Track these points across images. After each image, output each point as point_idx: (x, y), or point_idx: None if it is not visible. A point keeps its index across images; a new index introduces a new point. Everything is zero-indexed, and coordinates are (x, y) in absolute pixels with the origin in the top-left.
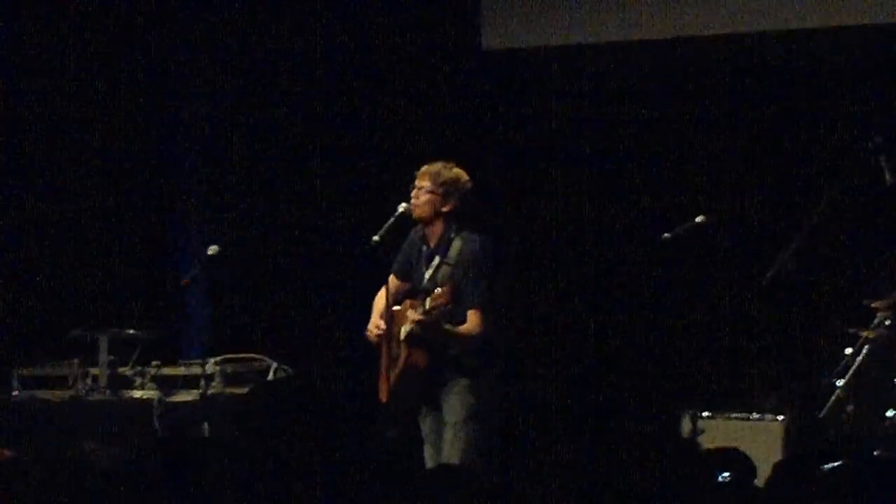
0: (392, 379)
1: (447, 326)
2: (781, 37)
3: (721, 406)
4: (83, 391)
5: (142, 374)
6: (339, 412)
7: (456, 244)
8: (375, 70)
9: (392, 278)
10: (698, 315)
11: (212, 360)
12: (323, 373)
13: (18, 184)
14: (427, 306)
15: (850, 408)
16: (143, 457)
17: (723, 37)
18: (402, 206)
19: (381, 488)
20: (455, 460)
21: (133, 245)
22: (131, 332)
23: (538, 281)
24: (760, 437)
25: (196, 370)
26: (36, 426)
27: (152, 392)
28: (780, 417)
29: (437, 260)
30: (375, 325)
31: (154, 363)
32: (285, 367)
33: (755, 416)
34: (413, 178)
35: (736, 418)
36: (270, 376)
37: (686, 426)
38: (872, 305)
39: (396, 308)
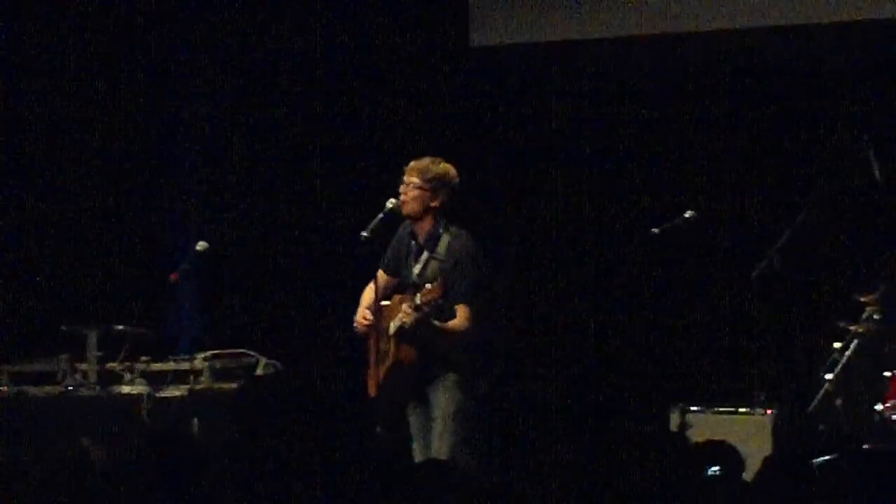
0: (381, 374)
1: (435, 322)
2: (774, 33)
3: (710, 400)
4: (72, 387)
5: (131, 370)
6: (329, 408)
7: (444, 239)
8: (366, 69)
9: (380, 273)
10: (687, 310)
11: (200, 356)
12: (312, 368)
13: (8, 181)
14: (418, 301)
15: (839, 402)
16: (139, 455)
17: (714, 33)
18: (391, 202)
19: (370, 484)
20: (443, 455)
21: (122, 241)
22: (120, 327)
23: (528, 280)
24: (749, 432)
25: (185, 366)
26: (25, 422)
27: (141, 387)
28: (769, 412)
29: (425, 255)
30: (363, 315)
31: (143, 359)
32: (274, 362)
33: (744, 410)
34: (401, 174)
35: (725, 413)
36: (259, 372)
37: (675, 421)
38: (861, 300)
39: (385, 303)
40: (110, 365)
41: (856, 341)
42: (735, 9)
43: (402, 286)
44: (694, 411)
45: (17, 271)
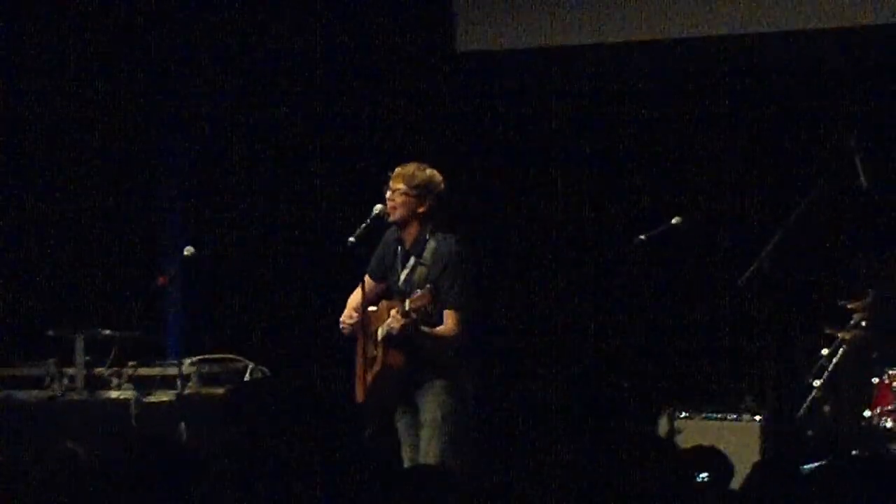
0: (369, 379)
1: (424, 328)
2: (760, 38)
3: (699, 406)
4: (59, 391)
5: (118, 375)
6: (319, 413)
7: (431, 245)
8: (353, 73)
9: (367, 279)
10: (676, 316)
11: (188, 361)
12: (301, 373)
13: None
14: (407, 307)
15: (827, 408)
16: (126, 459)
17: (707, 38)
18: (377, 208)
19: (361, 488)
20: (432, 460)
21: (110, 245)
22: (108, 332)
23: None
24: (738, 438)
25: (172, 370)
26: (12, 426)
27: (129, 392)
28: (758, 418)
29: (412, 261)
30: (349, 315)
31: (130, 363)
32: (262, 367)
33: (732, 416)
34: (387, 180)
35: (714, 418)
36: (247, 377)
37: (664, 426)
38: (848, 306)
39: (372, 309)
40: (98, 370)
41: (843, 348)
42: (723, 14)
43: (388, 292)
44: (683, 417)
45: (4, 275)
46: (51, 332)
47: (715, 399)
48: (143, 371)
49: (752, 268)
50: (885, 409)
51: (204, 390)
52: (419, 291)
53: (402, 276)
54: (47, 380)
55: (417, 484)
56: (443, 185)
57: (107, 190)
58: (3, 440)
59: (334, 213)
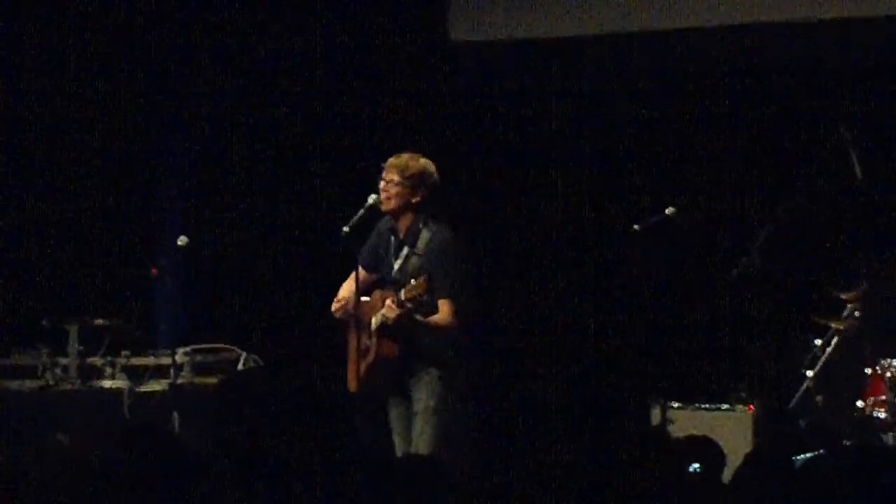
0: (362, 369)
1: (418, 317)
2: (755, 30)
3: (692, 396)
4: (53, 381)
5: (112, 364)
6: (313, 402)
7: (425, 235)
8: (344, 64)
9: (360, 269)
10: (669, 307)
11: (181, 350)
12: (294, 363)
13: None
14: (402, 297)
15: (819, 398)
16: (125, 454)
17: (704, 30)
18: (371, 198)
19: (351, 479)
20: (423, 449)
21: (103, 235)
22: (101, 322)
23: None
24: (730, 428)
25: (166, 360)
26: (5, 416)
27: (122, 382)
28: (751, 408)
29: (405, 251)
30: (339, 299)
31: (124, 353)
32: (255, 357)
33: (725, 406)
34: (380, 171)
35: (706, 409)
36: (240, 366)
37: (656, 417)
38: (841, 297)
39: (365, 299)
40: (91, 359)
41: (836, 338)
42: (722, 3)
43: (381, 282)
44: (675, 407)
45: None
46: (44, 322)
47: (708, 389)
48: (137, 360)
49: (743, 260)
50: (878, 399)
51: (197, 379)
52: (414, 281)
53: (396, 266)
54: (41, 369)
55: (408, 474)
56: (436, 175)
57: (101, 182)
58: None
59: (329, 203)
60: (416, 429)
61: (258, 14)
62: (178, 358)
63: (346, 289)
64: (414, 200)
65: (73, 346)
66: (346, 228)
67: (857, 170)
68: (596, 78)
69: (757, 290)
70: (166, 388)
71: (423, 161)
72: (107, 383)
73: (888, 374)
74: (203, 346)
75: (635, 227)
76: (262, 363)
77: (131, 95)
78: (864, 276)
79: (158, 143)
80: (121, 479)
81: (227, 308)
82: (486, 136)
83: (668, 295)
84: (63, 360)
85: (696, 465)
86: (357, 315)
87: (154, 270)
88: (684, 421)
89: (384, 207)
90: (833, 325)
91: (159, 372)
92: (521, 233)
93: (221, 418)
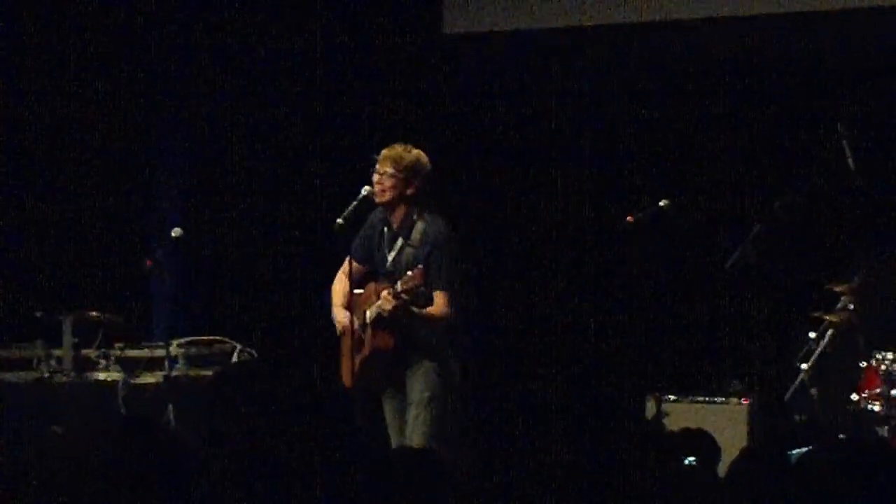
0: (357, 362)
1: (414, 309)
2: (754, 22)
3: (686, 389)
4: (47, 373)
5: (106, 356)
6: (307, 395)
7: (419, 226)
8: (338, 56)
9: (352, 262)
10: (663, 300)
11: (175, 343)
12: (290, 358)
13: None
14: (398, 289)
15: (814, 391)
16: (113, 442)
17: (704, 21)
18: (365, 189)
19: (346, 474)
20: (417, 440)
21: (97, 227)
22: (95, 314)
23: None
24: (725, 421)
25: (160, 352)
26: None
27: (116, 374)
28: (746, 401)
29: (399, 242)
30: (343, 315)
31: (118, 345)
32: (249, 349)
33: (720, 399)
34: (373, 163)
35: (701, 402)
36: (234, 359)
37: (651, 410)
38: (836, 289)
39: (358, 291)
40: (85, 351)
41: (831, 331)
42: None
43: (374, 274)
44: (670, 400)
45: None
46: (39, 314)
47: (703, 382)
48: (131, 353)
49: (737, 252)
50: (873, 392)
51: (192, 372)
52: (410, 272)
53: (390, 258)
54: (35, 361)
55: (402, 466)
56: (430, 167)
57: (95, 175)
58: None
59: (322, 196)
60: (410, 420)
61: (260, 15)
62: (173, 350)
63: (339, 289)
64: (408, 192)
65: (68, 337)
66: (339, 220)
67: (851, 163)
68: (592, 70)
69: (751, 282)
70: (161, 380)
71: (417, 152)
72: (101, 375)
73: (882, 368)
74: (198, 338)
75: (629, 218)
76: (256, 356)
77: (130, 93)
78: (859, 270)
79: (154, 137)
80: (118, 476)
81: (224, 303)
82: (484, 130)
83: (664, 289)
84: (57, 352)
85: (692, 459)
86: (350, 308)
87: (148, 262)
88: (679, 414)
89: (378, 199)
90: (828, 318)
91: (154, 364)
92: (517, 229)
93: (216, 411)
